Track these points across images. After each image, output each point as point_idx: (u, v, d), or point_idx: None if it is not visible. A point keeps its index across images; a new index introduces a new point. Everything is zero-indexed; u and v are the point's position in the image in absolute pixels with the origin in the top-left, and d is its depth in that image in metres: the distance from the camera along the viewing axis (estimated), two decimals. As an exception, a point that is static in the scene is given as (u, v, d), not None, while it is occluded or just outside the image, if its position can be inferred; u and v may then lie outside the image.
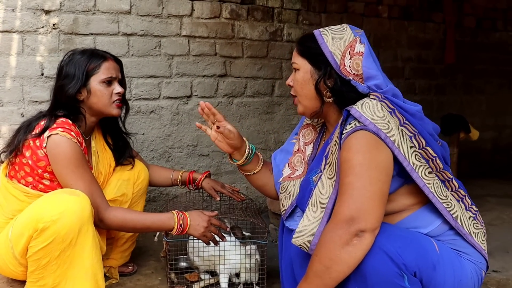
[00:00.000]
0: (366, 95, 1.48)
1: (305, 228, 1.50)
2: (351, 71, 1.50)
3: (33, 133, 1.76)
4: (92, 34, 2.53)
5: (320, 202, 1.48)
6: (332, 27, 1.60)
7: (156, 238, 2.18)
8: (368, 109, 1.39)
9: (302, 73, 1.56)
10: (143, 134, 2.72)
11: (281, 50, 3.12)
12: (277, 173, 1.79)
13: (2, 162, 1.86)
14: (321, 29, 1.59)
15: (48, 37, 2.44)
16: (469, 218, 1.48)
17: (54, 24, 2.44)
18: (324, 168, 1.53)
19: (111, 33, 2.57)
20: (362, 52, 1.51)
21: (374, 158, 1.35)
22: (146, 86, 2.70)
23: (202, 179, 2.24)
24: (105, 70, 1.87)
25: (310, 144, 1.73)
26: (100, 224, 1.77)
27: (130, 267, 2.21)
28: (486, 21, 4.20)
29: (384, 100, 1.43)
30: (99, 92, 1.87)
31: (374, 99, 1.43)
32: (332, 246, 1.32)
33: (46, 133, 1.73)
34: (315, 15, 3.23)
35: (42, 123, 1.77)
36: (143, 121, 2.72)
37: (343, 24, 1.62)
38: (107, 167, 2.04)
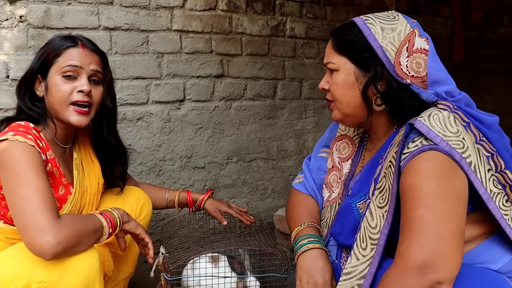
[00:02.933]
0: (431, 104, 1.20)
1: (354, 269, 1.21)
2: (409, 73, 1.22)
3: None
4: (67, 28, 2.12)
5: (370, 238, 1.18)
6: (378, 14, 1.30)
7: (152, 273, 1.81)
8: (439, 123, 1.11)
9: (344, 75, 1.28)
10: (129, 145, 2.33)
11: (283, 46, 2.77)
12: (320, 200, 1.49)
13: None
14: (363, 17, 1.29)
15: (14, 31, 2.02)
16: None
17: (21, 16, 2.03)
18: (373, 194, 1.22)
19: (90, 27, 2.17)
20: (425, 50, 1.23)
21: (449, 186, 1.05)
22: (132, 89, 2.30)
23: (204, 200, 1.91)
24: (66, 57, 1.44)
25: (347, 160, 1.43)
26: (41, 256, 1.24)
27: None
28: (493, 16, 3.95)
29: (457, 111, 1.15)
30: (54, 88, 1.44)
31: (444, 109, 1.15)
32: None
33: None
34: (319, 7, 2.89)
35: None
36: (129, 130, 2.32)
37: (390, 11, 1.33)
38: (94, 183, 1.64)
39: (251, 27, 2.63)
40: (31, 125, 1.40)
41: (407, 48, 1.23)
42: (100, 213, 1.42)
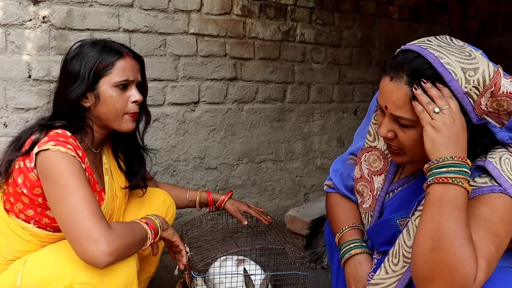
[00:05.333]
0: (499, 143, 1.17)
1: (382, 281, 1.25)
2: (487, 109, 1.14)
3: (22, 151, 1.37)
4: (88, 29, 2.15)
5: (404, 255, 1.22)
6: (446, 45, 1.15)
7: (176, 272, 1.85)
8: (510, 168, 1.12)
9: (421, 132, 1.13)
10: (146, 145, 2.36)
11: (293, 51, 2.83)
12: (355, 200, 1.51)
13: None
14: (435, 52, 1.13)
15: (37, 32, 2.05)
16: None
17: (44, 17, 2.05)
18: (413, 214, 1.24)
19: (110, 29, 2.21)
20: (511, 93, 1.13)
21: (510, 232, 1.10)
22: (150, 90, 2.31)
23: (225, 201, 1.98)
24: (119, 71, 1.46)
25: (379, 175, 1.41)
26: (94, 265, 1.27)
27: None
28: (488, 25, 4.08)
29: None
30: (110, 100, 1.46)
31: None
32: None
33: (35, 149, 1.34)
34: (328, 14, 2.96)
35: (33, 137, 1.38)
36: (145, 131, 2.36)
37: (455, 39, 1.18)
38: (122, 187, 1.67)
39: (264, 32, 2.69)
40: (68, 133, 1.41)
41: (492, 91, 1.12)
42: (145, 222, 1.45)
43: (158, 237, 1.51)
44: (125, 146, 1.70)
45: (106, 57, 1.46)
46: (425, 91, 1.12)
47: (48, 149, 1.33)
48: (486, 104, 1.14)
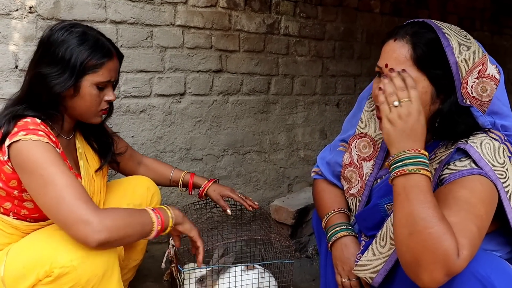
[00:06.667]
0: (480, 128, 1.23)
1: (370, 262, 1.30)
2: (472, 93, 1.22)
3: None
4: (75, 20, 2.15)
5: (391, 238, 1.27)
6: (449, 25, 1.25)
7: (163, 265, 1.87)
8: (490, 152, 1.18)
9: (420, 92, 1.19)
10: (132, 136, 2.39)
11: (278, 44, 2.88)
12: (341, 186, 1.56)
13: None
14: (438, 23, 1.24)
15: (24, 22, 2.04)
16: None
17: (30, 7, 2.05)
18: None
19: (97, 20, 2.21)
20: (496, 78, 1.23)
21: (491, 213, 1.16)
22: (136, 82, 2.36)
23: (208, 187, 1.91)
24: (106, 72, 1.45)
25: (369, 161, 1.47)
26: (86, 244, 1.28)
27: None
28: (466, 20, 4.19)
29: (506, 143, 1.23)
30: (89, 97, 1.45)
31: (495, 139, 1.21)
32: None
33: (7, 142, 1.31)
34: (311, 7, 3.01)
35: (3, 129, 1.35)
36: (132, 122, 2.38)
37: (454, 26, 1.28)
38: (95, 171, 1.67)
39: (249, 24, 2.72)
40: (38, 120, 1.38)
41: (479, 70, 1.20)
42: (152, 209, 1.44)
43: (170, 229, 1.49)
44: (92, 129, 1.67)
45: (97, 56, 1.43)
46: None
47: (20, 140, 1.30)
48: (471, 86, 1.21)
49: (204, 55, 2.57)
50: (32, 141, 1.30)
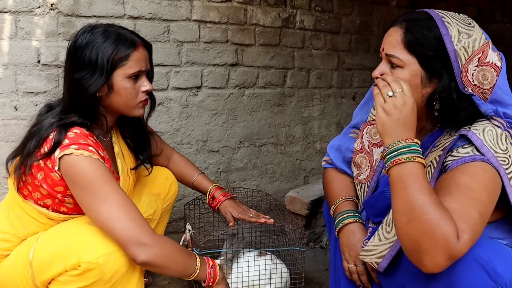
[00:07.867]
0: (483, 115, 1.25)
1: (375, 248, 1.33)
2: (473, 81, 1.24)
3: (42, 151, 1.38)
4: (95, 16, 2.23)
5: None
6: (453, 14, 1.27)
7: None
8: (492, 139, 1.19)
9: (409, 75, 1.24)
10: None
11: (293, 38, 2.91)
12: (351, 174, 1.59)
13: (9, 173, 1.50)
14: (440, 12, 1.26)
15: (46, 19, 2.13)
16: None
17: (52, 4, 2.13)
18: None
19: (116, 16, 2.29)
20: (496, 66, 1.24)
21: (494, 199, 1.17)
22: (155, 75, 2.40)
23: (221, 202, 1.86)
24: (134, 63, 1.46)
25: (379, 147, 1.50)
26: (133, 260, 1.37)
27: (145, 279, 1.97)
28: (486, 12, 4.13)
29: (509, 130, 1.23)
30: (124, 91, 1.47)
31: (498, 126, 1.22)
32: None
33: (57, 153, 1.36)
34: (327, 1, 3.03)
35: (51, 136, 1.38)
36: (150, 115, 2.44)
37: (464, 15, 1.29)
38: (131, 169, 1.72)
39: (264, 18, 2.76)
40: (86, 131, 1.42)
41: (479, 58, 1.22)
42: (202, 257, 1.54)
43: (212, 283, 1.54)
44: (130, 127, 1.72)
45: (122, 48, 1.44)
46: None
47: (72, 153, 1.35)
48: (472, 74, 1.22)
49: (220, 49, 2.62)
50: (84, 156, 1.35)
